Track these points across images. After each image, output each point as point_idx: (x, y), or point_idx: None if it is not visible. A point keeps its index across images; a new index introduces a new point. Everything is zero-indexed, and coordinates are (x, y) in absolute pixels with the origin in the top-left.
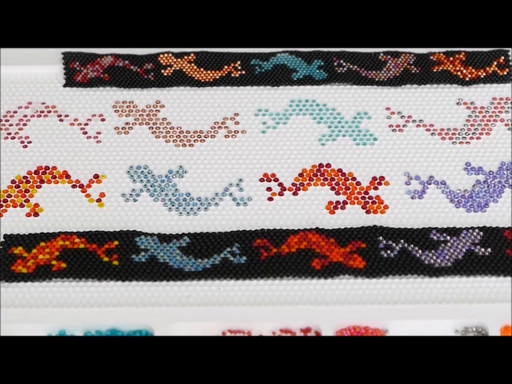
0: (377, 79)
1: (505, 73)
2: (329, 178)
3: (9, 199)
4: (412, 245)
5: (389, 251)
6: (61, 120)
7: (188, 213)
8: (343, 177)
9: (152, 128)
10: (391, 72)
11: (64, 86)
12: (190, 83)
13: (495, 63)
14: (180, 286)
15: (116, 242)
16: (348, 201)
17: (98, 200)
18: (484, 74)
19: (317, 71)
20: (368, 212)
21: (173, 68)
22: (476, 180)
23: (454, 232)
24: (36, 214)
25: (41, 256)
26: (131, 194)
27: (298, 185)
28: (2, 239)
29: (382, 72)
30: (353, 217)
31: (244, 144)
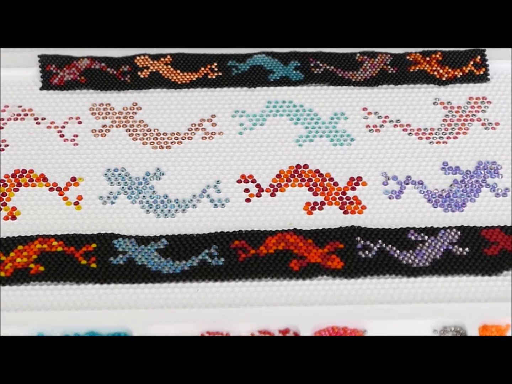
0: (353, 80)
1: (481, 72)
2: (306, 179)
3: None
4: (390, 245)
5: (367, 252)
6: (38, 123)
7: (165, 215)
8: (320, 178)
9: (129, 131)
10: (367, 73)
11: (41, 89)
12: (166, 85)
13: (471, 62)
14: (158, 288)
15: (93, 245)
16: (326, 201)
17: (76, 203)
18: (461, 73)
19: (294, 72)
20: (345, 212)
21: (149, 70)
22: (454, 179)
23: (431, 232)
24: (13, 218)
25: (19, 260)
26: (108, 197)
27: (275, 186)
28: None
29: (359, 72)
30: (330, 217)
31: (221, 146)
